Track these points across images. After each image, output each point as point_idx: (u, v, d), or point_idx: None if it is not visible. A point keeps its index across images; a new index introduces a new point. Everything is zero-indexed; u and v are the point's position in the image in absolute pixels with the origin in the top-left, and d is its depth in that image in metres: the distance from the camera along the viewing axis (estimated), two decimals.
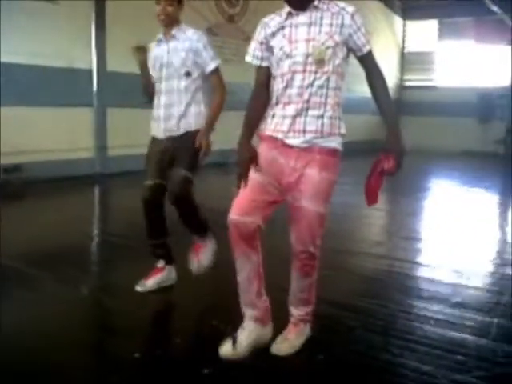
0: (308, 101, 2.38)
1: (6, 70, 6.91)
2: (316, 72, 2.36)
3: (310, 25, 2.37)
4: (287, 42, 2.39)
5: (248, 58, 2.57)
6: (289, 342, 2.62)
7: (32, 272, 3.75)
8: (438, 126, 15.66)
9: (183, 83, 3.29)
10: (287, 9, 2.43)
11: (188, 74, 3.29)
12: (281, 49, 2.40)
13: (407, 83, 17.20)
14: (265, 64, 2.52)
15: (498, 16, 13.56)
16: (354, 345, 2.75)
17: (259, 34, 2.52)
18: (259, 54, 2.52)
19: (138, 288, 3.40)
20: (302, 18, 2.39)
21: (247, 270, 2.49)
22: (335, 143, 2.45)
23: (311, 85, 2.37)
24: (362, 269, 4.13)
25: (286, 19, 2.42)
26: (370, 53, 2.45)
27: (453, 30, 16.75)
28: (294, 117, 2.40)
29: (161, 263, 3.48)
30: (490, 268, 4.36)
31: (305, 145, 2.41)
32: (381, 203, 5.86)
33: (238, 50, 10.71)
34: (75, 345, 2.70)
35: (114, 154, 8.34)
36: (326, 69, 2.36)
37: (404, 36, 17.38)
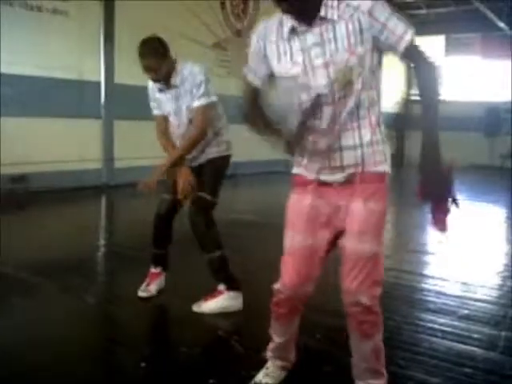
0: (340, 131, 1.99)
1: (15, 81, 6.99)
2: (345, 96, 1.94)
3: (322, 44, 1.91)
4: (301, 72, 1.95)
5: (247, 76, 2.13)
6: None
7: (37, 281, 3.75)
8: (445, 139, 15.52)
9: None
10: (288, 20, 1.96)
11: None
12: (292, 76, 1.95)
13: (414, 97, 17.20)
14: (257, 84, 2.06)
15: (504, 32, 13.58)
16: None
17: (255, 46, 2.09)
18: (260, 72, 2.08)
19: (143, 294, 3.45)
20: (311, 37, 1.92)
21: (289, 334, 2.30)
22: (381, 167, 2.06)
23: (341, 113, 1.96)
24: None
25: (290, 38, 1.96)
26: (409, 47, 1.93)
27: (460, 46, 16.82)
28: (327, 153, 2.02)
29: (158, 269, 3.55)
30: (498, 281, 4.34)
31: (344, 179, 2.04)
32: (388, 216, 5.84)
33: (244, 65, 10.80)
34: (81, 355, 2.69)
35: (120, 166, 8.38)
36: (355, 88, 1.94)
37: None
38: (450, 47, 17.13)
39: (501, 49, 15.45)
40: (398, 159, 16.30)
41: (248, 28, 11.28)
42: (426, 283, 4.14)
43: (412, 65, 1.98)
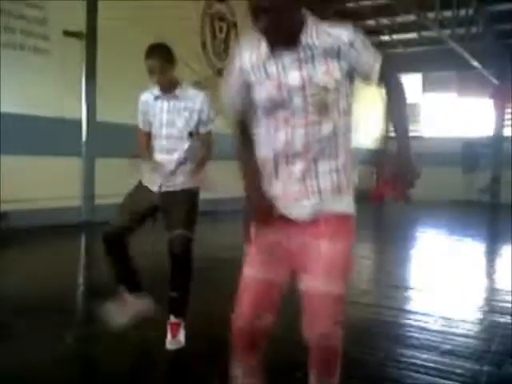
0: (316, 157, 1.97)
1: None
2: (320, 121, 1.95)
3: (300, 66, 1.93)
4: (275, 89, 1.95)
5: (225, 102, 2.17)
6: None
7: (14, 321, 3.67)
8: (424, 175, 15.72)
9: (186, 144, 3.31)
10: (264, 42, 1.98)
11: (191, 135, 3.32)
12: (268, 98, 1.96)
13: (393, 134, 17.45)
14: (244, 110, 2.11)
15: (479, 70, 13.93)
16: None
17: (232, 68, 2.11)
18: (237, 103, 2.11)
19: (114, 322, 3.31)
20: (288, 59, 1.94)
21: (247, 367, 2.17)
22: (346, 203, 2.07)
23: (315, 137, 1.95)
24: (350, 317, 4.07)
25: (266, 59, 1.97)
26: (381, 73, 2.00)
27: (436, 83, 17.21)
28: (302, 180, 1.99)
29: (130, 297, 3.41)
30: (479, 315, 4.36)
31: (310, 215, 2.00)
32: (368, 252, 5.86)
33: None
34: None
35: (101, 203, 8.32)
36: (330, 113, 1.95)
37: None
38: (427, 85, 17.51)
39: (476, 86, 15.82)
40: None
41: (230, 67, 11.41)
42: (407, 318, 4.15)
43: (384, 87, 2.05)
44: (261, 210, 2.01)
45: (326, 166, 1.98)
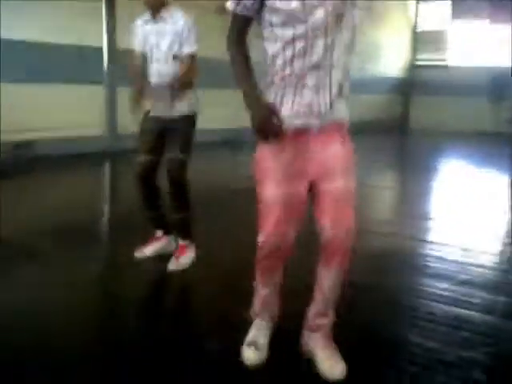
0: (331, 68, 2.02)
1: (15, 47, 6.92)
2: (336, 32, 1.98)
3: None
4: (300, 6, 1.93)
5: (231, 5, 2.08)
6: (340, 364, 2.23)
7: (40, 246, 3.78)
8: (451, 105, 15.54)
9: (172, 66, 3.32)
10: None
11: (176, 57, 3.30)
12: (289, 13, 1.95)
13: (420, 62, 17.01)
14: (251, 15, 2.08)
15: None
16: (360, 318, 2.77)
17: None
18: (249, 3, 2.04)
19: (137, 255, 3.53)
20: None
21: (273, 284, 2.35)
22: (346, 111, 2.17)
23: (334, 46, 1.99)
24: (371, 247, 4.13)
25: None
26: None
27: (467, 10, 16.55)
28: (317, 90, 2.04)
29: (159, 233, 3.63)
30: (498, 247, 4.37)
31: (322, 124, 2.09)
32: (391, 182, 5.82)
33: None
34: (77, 326, 2.72)
35: (124, 132, 8.35)
36: (345, 25, 1.99)
37: (417, 16, 17.16)
38: (457, 11, 16.86)
39: (509, 12, 15.20)
40: (402, 125, 16.23)
41: None
42: (426, 248, 4.17)
43: None
44: (270, 126, 2.02)
45: (337, 76, 2.04)
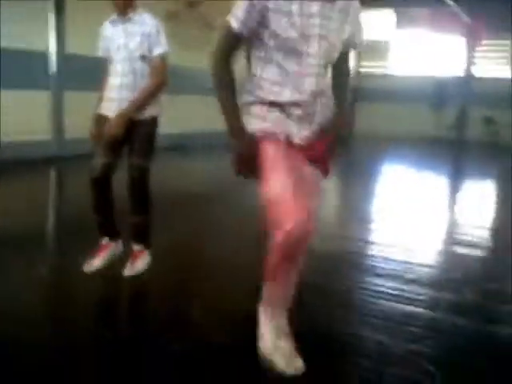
0: (320, 94, 2.24)
1: None
2: (324, 76, 2.21)
3: (322, 17, 2.07)
4: (298, 36, 2.05)
5: (234, 23, 2.09)
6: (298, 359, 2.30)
7: None
8: (394, 112, 16.02)
9: (138, 66, 3.33)
10: None
11: (143, 58, 3.32)
12: (286, 40, 2.06)
13: (364, 70, 17.43)
14: (247, 35, 2.12)
15: (452, 8, 13.88)
16: (313, 318, 2.87)
17: None
18: (251, 24, 2.07)
19: (85, 269, 3.39)
20: (314, 6, 2.05)
21: (292, 278, 2.29)
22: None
23: (324, 80, 2.22)
24: (320, 249, 4.25)
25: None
26: (347, 54, 2.38)
27: (409, 20, 17.09)
28: (307, 113, 2.23)
29: (105, 240, 3.53)
30: (441, 247, 4.58)
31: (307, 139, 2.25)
32: (336, 185, 5.95)
33: (197, 36, 10.72)
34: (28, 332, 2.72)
35: (71, 137, 8.25)
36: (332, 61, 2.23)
37: None
38: (400, 21, 17.39)
39: (448, 24, 15.77)
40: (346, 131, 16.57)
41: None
42: (373, 250, 4.33)
43: (340, 63, 2.33)
44: (250, 164, 2.16)
45: (324, 100, 2.24)
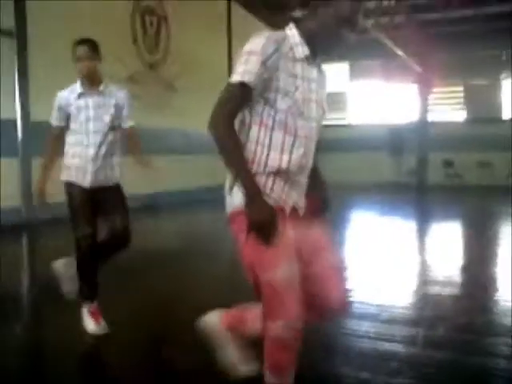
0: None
1: None
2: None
3: (318, 83, 2.09)
4: (301, 99, 2.00)
5: (246, 77, 1.89)
6: None
7: None
8: (354, 161, 16.47)
9: (110, 137, 3.50)
10: (295, 41, 2.00)
11: (114, 129, 3.51)
12: (294, 103, 1.98)
13: (324, 122, 17.89)
14: (255, 88, 1.93)
15: (403, 59, 14.55)
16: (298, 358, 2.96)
17: (267, 51, 1.90)
18: (262, 75, 1.91)
19: (97, 330, 3.40)
20: (314, 70, 2.07)
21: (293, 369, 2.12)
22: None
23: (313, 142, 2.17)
24: None
25: (298, 63, 1.99)
26: None
27: (363, 72, 17.83)
28: (303, 180, 2.15)
29: (93, 305, 3.51)
30: (412, 287, 4.74)
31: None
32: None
33: (159, 97, 10.98)
34: None
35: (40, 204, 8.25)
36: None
37: None
38: (354, 73, 18.12)
39: (400, 74, 16.49)
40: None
41: (161, 61, 11.51)
42: (349, 294, 4.46)
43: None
44: (270, 230, 1.91)
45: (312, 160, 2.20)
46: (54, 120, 3.55)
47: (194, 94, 11.54)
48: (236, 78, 1.90)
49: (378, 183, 15.41)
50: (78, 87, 3.48)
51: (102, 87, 3.48)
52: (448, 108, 17.32)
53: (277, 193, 2.02)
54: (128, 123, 3.56)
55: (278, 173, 2.01)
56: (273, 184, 2.01)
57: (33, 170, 8.31)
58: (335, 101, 17.74)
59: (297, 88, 1.96)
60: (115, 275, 4.08)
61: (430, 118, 16.77)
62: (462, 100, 17.19)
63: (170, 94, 11.49)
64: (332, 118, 17.82)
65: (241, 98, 1.93)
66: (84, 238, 3.40)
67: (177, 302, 4.14)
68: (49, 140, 3.61)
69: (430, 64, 15.72)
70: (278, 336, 1.98)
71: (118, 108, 3.51)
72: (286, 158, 2.00)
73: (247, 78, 1.89)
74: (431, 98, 16.85)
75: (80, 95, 3.47)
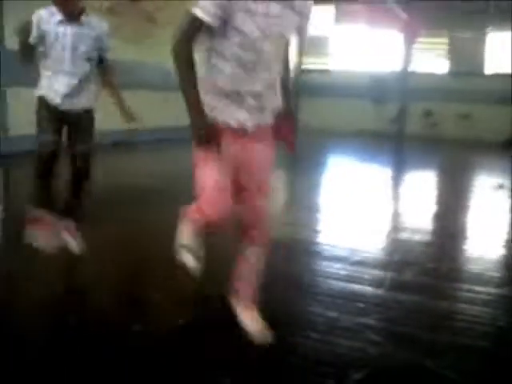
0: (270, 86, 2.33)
1: None
2: (275, 69, 2.34)
3: (280, 17, 2.19)
4: (259, 34, 2.16)
5: (200, 13, 2.10)
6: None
7: None
8: (336, 107, 16.39)
9: (86, 67, 3.53)
10: None
11: (90, 59, 3.54)
12: (247, 36, 2.15)
13: (305, 66, 17.72)
14: (214, 26, 2.13)
15: (389, 4, 14.32)
16: (267, 299, 3.02)
17: None
18: (218, 12, 2.09)
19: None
20: (274, 7, 2.15)
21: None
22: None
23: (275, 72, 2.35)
24: (270, 235, 4.42)
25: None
26: None
27: (348, 15, 17.52)
28: (259, 103, 2.32)
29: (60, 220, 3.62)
30: (384, 233, 4.84)
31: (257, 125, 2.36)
32: (283, 177, 6.11)
33: (139, 30, 10.71)
34: None
35: (15, 134, 8.14)
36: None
37: None
38: (339, 16, 17.79)
39: (386, 20, 16.24)
40: None
41: None
42: (320, 236, 4.56)
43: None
44: (208, 138, 2.21)
45: (271, 91, 2.35)
46: (33, 39, 3.43)
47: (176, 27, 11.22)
48: (196, 11, 2.10)
49: (359, 130, 15.41)
50: (55, 11, 3.40)
51: (83, 18, 3.45)
52: (431, 59, 17.20)
53: (220, 113, 2.26)
54: (105, 55, 3.60)
55: (223, 94, 2.25)
56: (217, 104, 2.26)
57: (8, 100, 8.16)
58: (318, 45, 17.48)
59: (255, 24, 2.13)
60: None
61: (414, 67, 16.66)
62: (445, 51, 17.07)
63: (150, 27, 11.19)
64: (314, 63, 17.62)
65: (195, 27, 2.13)
66: (46, 145, 3.46)
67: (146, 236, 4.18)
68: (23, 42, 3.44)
69: (417, 13, 15.50)
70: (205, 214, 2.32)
71: (98, 40, 3.52)
72: (233, 81, 2.23)
73: (203, 14, 2.09)
74: (416, 47, 16.69)
75: (60, 22, 3.42)
